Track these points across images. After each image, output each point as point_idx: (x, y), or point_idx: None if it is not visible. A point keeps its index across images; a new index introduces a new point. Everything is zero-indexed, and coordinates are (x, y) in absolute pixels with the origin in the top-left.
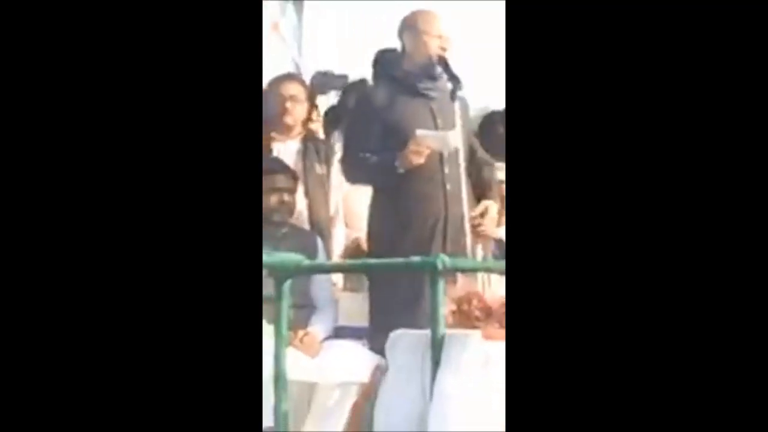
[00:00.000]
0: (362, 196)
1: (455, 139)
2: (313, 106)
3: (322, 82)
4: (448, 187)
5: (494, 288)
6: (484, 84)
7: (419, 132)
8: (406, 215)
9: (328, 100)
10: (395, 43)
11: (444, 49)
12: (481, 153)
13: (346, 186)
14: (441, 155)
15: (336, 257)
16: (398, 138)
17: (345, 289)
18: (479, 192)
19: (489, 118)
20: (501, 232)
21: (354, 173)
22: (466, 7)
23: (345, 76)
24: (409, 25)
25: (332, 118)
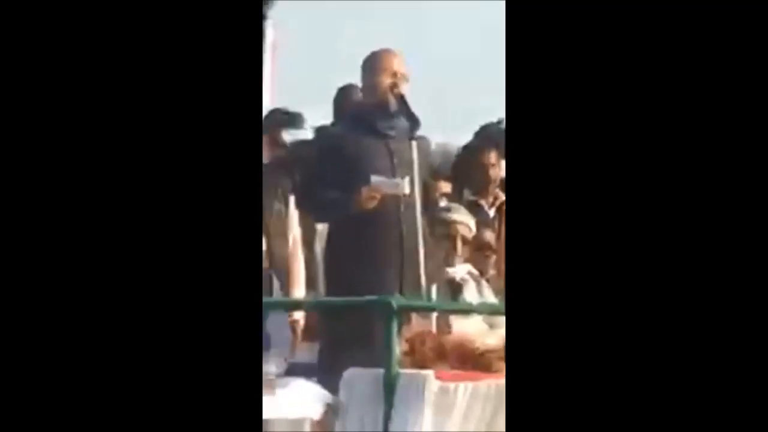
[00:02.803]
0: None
1: (409, 185)
2: (272, 142)
3: (280, 119)
4: (404, 227)
5: (449, 328)
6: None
7: (374, 179)
8: (361, 255)
9: (288, 136)
10: (356, 81)
11: (398, 89)
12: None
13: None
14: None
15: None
16: (354, 178)
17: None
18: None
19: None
20: (452, 272)
21: (310, 211)
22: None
23: (300, 114)
24: (369, 65)
25: (291, 155)
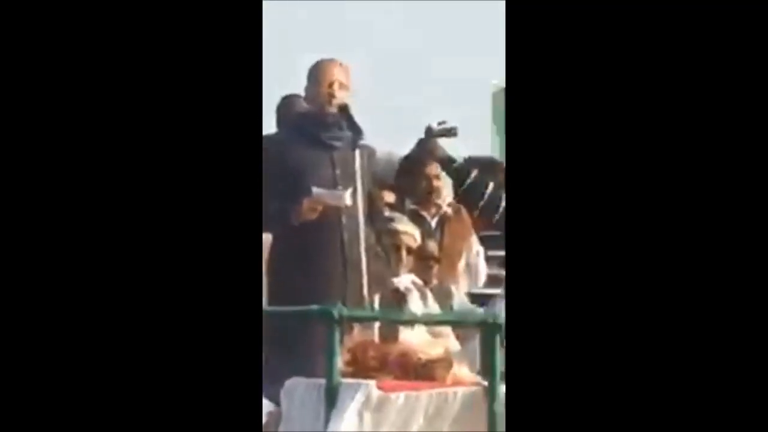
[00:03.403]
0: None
1: (352, 196)
2: None
3: None
4: (346, 237)
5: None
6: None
7: (315, 190)
8: (304, 264)
9: None
10: (299, 90)
11: (340, 99)
12: (382, 200)
13: None
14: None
15: None
16: (296, 188)
17: None
18: (383, 240)
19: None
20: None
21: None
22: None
23: None
24: (313, 75)
25: None
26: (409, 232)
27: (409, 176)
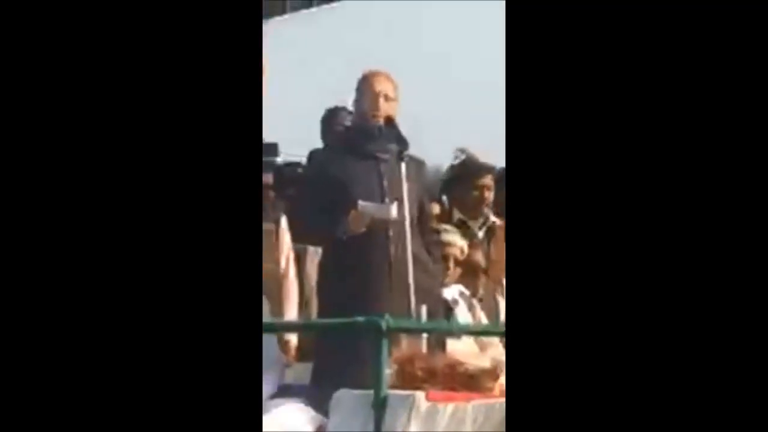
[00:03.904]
0: (316, 255)
1: (398, 208)
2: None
3: None
4: (393, 249)
5: (439, 349)
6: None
7: (360, 203)
8: (351, 277)
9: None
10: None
11: (384, 111)
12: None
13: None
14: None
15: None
16: (344, 201)
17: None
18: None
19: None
20: (444, 293)
21: (301, 234)
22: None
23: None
24: (360, 87)
25: (283, 176)
26: (456, 243)
27: (459, 187)
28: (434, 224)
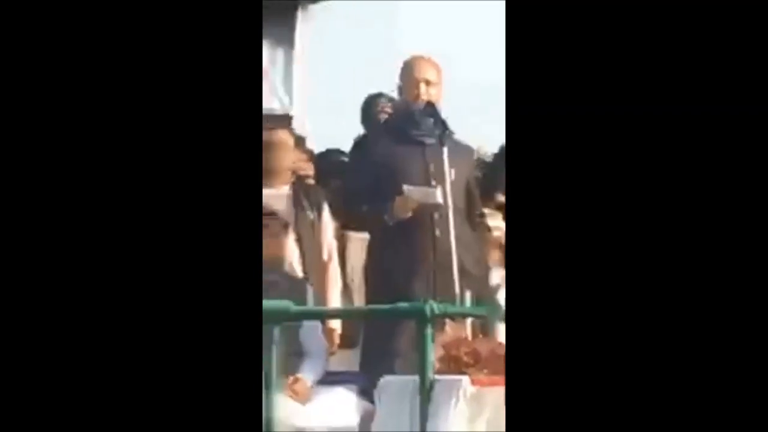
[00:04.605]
0: (358, 242)
1: (441, 194)
2: (303, 152)
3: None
4: (437, 233)
5: (484, 334)
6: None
7: (405, 188)
8: (398, 262)
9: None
10: (386, 89)
11: (426, 96)
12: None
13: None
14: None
15: (332, 302)
16: (389, 186)
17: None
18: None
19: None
20: (494, 277)
21: (347, 221)
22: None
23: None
24: (404, 72)
25: (324, 164)
26: (500, 227)
27: (499, 170)
28: (479, 208)
